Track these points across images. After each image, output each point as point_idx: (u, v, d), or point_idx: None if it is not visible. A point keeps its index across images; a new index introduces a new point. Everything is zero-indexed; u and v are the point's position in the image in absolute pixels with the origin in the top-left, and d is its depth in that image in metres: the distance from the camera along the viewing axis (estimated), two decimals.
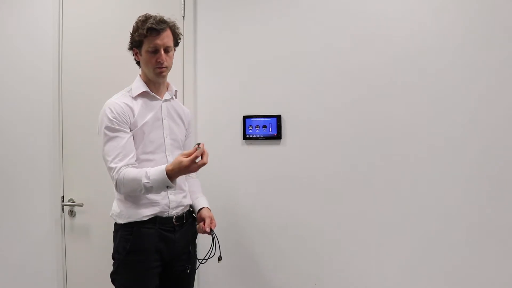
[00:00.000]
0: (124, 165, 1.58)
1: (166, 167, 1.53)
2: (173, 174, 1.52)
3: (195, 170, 1.52)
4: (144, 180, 1.54)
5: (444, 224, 1.83)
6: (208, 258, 1.69)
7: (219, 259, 1.69)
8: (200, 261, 1.72)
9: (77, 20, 2.37)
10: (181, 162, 1.50)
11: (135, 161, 1.63)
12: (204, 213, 1.76)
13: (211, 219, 1.73)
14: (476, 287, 1.79)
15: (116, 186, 1.60)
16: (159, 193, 1.64)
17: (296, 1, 2.05)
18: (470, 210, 1.80)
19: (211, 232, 1.69)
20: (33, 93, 2.43)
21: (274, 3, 2.08)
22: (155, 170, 1.55)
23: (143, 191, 1.57)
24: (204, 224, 1.70)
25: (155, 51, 1.65)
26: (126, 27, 1.72)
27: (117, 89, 1.75)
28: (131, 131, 1.65)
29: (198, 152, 1.48)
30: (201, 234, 1.75)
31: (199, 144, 1.50)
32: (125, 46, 1.73)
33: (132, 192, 1.61)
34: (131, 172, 1.57)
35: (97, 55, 2.33)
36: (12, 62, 2.47)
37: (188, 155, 1.49)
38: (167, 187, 1.56)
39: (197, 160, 1.49)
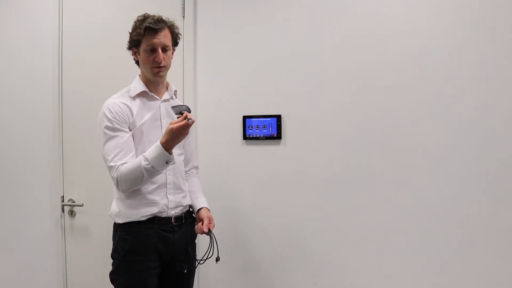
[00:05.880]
0: (123, 163, 1.58)
1: (159, 140, 1.56)
2: (168, 145, 1.54)
3: (186, 132, 1.54)
4: (143, 163, 1.54)
5: (444, 224, 1.83)
6: (206, 258, 1.68)
7: (217, 259, 1.68)
8: (198, 261, 1.72)
9: (77, 20, 2.36)
10: (171, 128, 1.52)
11: None
12: (203, 213, 1.75)
13: (210, 220, 1.71)
14: (476, 286, 1.79)
15: (117, 184, 1.60)
16: (161, 172, 1.62)
17: (296, 1, 2.04)
18: (471, 209, 1.79)
19: (209, 233, 1.68)
20: (33, 93, 2.43)
21: (274, 3, 2.08)
22: (151, 149, 1.57)
23: (145, 177, 1.57)
24: (202, 224, 1.69)
25: (153, 50, 1.65)
26: (126, 27, 1.72)
27: (117, 89, 1.75)
28: (130, 131, 1.65)
29: (184, 116, 1.53)
30: (200, 234, 1.75)
31: (182, 113, 1.55)
32: (125, 46, 1.73)
33: (134, 184, 1.60)
34: (129, 164, 1.58)
35: (97, 55, 2.33)
36: (12, 62, 2.47)
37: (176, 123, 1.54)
38: (166, 163, 1.56)
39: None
